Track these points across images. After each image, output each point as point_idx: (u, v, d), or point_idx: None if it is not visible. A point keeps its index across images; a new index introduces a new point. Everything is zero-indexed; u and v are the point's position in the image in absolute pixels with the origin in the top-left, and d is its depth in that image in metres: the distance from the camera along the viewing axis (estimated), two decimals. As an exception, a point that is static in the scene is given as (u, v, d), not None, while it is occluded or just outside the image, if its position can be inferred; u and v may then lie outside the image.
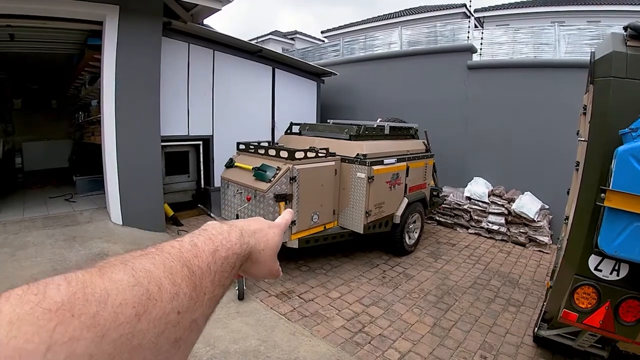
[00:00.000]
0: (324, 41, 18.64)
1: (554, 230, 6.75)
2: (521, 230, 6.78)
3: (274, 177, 4.39)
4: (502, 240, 7.01)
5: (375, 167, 5.04)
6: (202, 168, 7.10)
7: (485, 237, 7.15)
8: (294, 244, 4.72)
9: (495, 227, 6.98)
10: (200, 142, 6.98)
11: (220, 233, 0.54)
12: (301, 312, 4.18)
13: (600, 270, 2.33)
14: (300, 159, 4.59)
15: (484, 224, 7.11)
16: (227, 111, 7.16)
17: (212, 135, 7.02)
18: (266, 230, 0.66)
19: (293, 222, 4.57)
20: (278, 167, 4.46)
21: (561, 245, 3.34)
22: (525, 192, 7.09)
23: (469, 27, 8.50)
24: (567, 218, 3.40)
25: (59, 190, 7.78)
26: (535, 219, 6.56)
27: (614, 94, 2.20)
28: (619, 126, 2.11)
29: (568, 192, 4.55)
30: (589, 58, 2.42)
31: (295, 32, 21.94)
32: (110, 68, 5.40)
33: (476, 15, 16.61)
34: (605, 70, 2.23)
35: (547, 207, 6.92)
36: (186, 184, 7.14)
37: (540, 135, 7.15)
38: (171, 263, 0.43)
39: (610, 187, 2.04)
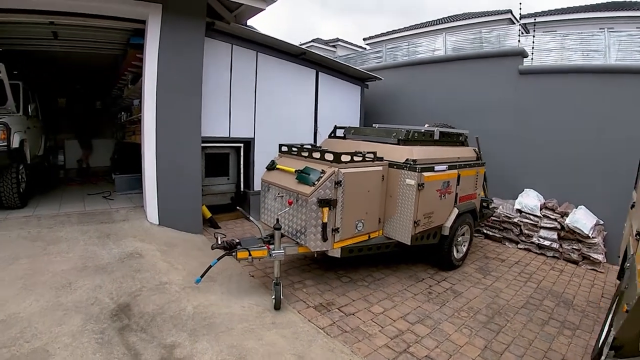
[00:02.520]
0: (365, 48, 18.43)
1: (609, 248, 6.21)
2: (574, 247, 6.27)
3: (317, 180, 4.16)
4: (554, 257, 6.51)
5: (425, 174, 4.74)
6: (242, 171, 6.99)
7: (536, 252, 6.67)
8: (336, 253, 4.47)
9: (546, 243, 6.49)
10: (242, 145, 6.88)
11: None
12: (341, 326, 3.91)
13: None
14: (346, 162, 4.35)
15: (534, 239, 6.63)
16: (269, 114, 7.05)
17: (254, 138, 6.91)
18: None
19: (336, 230, 4.33)
20: (322, 170, 4.24)
21: (631, 264, 3.06)
22: (579, 206, 6.57)
23: (519, 33, 8.08)
24: (639, 234, 3.05)
25: (97, 188, 7.89)
26: (590, 234, 6.05)
27: None
28: None
29: (633, 206, 4.14)
30: None
31: (337, 40, 21.84)
32: (152, 67, 5.37)
33: (522, 21, 16.02)
34: None
35: (601, 222, 6.38)
36: (225, 186, 7.05)
37: (594, 146, 6.63)
38: None
39: None
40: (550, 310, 4.68)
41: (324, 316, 4.07)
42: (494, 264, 6.06)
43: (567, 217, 6.35)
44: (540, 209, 6.69)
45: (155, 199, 5.57)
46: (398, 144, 5.15)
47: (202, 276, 3.93)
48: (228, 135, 6.54)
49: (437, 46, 9.68)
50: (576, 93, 6.89)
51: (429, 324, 4.13)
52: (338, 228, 4.35)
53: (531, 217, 6.70)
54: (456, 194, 5.49)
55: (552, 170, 7.16)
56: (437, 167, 5.02)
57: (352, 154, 4.46)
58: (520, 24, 9.51)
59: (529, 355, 3.73)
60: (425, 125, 6.41)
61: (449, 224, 5.34)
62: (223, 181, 7.00)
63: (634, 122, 6.24)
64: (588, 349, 3.89)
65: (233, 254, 4.02)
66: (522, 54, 7.62)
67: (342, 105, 8.61)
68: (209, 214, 6.44)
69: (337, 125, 6.17)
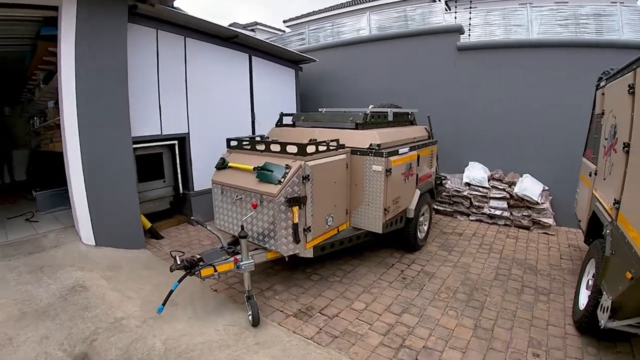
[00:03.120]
0: (284, 32, 17.81)
1: (556, 211, 6.58)
2: (524, 214, 6.54)
3: (283, 177, 3.72)
4: (505, 225, 6.76)
5: (391, 158, 4.51)
6: (179, 171, 6.23)
7: (488, 223, 6.88)
8: (309, 253, 4.10)
9: (497, 212, 6.70)
10: (176, 142, 6.10)
11: None
12: (329, 332, 3.59)
13: None
14: (311, 153, 3.95)
15: (485, 210, 6.82)
16: (202, 105, 6.32)
17: (188, 133, 6.17)
18: None
19: (308, 229, 3.95)
20: (287, 165, 3.80)
21: (612, 232, 3.16)
22: (525, 175, 6.87)
23: (444, 10, 8.15)
24: (617, 202, 3.15)
25: (17, 209, 6.57)
26: (538, 201, 6.34)
27: None
28: None
29: (592, 174, 4.30)
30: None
31: (256, 23, 20.80)
32: (68, 61, 4.44)
33: None
34: None
35: (547, 188, 6.72)
36: (162, 190, 6.25)
37: (536, 117, 6.93)
38: None
39: None
40: (521, 279, 4.78)
41: (307, 324, 3.71)
42: (453, 239, 6.11)
43: (514, 186, 6.58)
44: (488, 181, 6.87)
45: (87, 215, 4.71)
46: (356, 128, 4.87)
47: (164, 304, 3.35)
48: (160, 133, 5.75)
49: (362, 25, 9.49)
50: (513, 67, 7.13)
51: (415, 312, 3.97)
52: (310, 227, 3.97)
53: (480, 189, 6.86)
54: (417, 175, 5.37)
55: (495, 143, 7.40)
56: (400, 150, 4.82)
57: (317, 144, 4.06)
58: (444, 1, 9.64)
59: (517, 326, 3.76)
60: (370, 107, 6.20)
61: (413, 206, 5.22)
62: (159, 185, 6.20)
63: (570, 92, 6.59)
64: (567, 311, 4.02)
65: (196, 273, 3.48)
66: (459, 31, 7.69)
67: (277, 90, 8.09)
68: (148, 224, 5.67)
69: (283, 113, 5.72)
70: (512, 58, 7.10)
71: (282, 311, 3.92)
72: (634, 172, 2.98)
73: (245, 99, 7.24)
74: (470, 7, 8.05)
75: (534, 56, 6.88)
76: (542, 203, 6.34)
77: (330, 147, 4.26)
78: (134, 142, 5.25)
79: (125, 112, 4.93)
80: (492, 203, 6.75)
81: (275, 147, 4.09)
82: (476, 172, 6.97)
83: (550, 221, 6.32)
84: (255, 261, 3.77)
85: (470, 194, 6.93)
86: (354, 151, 4.58)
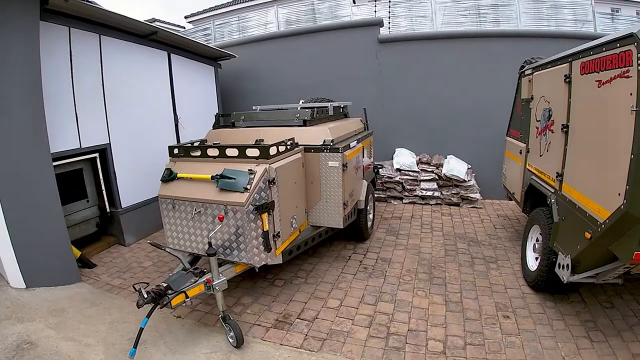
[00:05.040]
0: (184, 27, 16.72)
1: (481, 187, 7.23)
2: (453, 192, 7.11)
3: (249, 183, 3.51)
4: (437, 204, 7.27)
5: (346, 153, 4.54)
6: (103, 187, 5.50)
7: (421, 204, 7.32)
8: (279, 260, 3.96)
9: (429, 193, 7.17)
10: (96, 155, 5.37)
11: None
12: (316, 336, 3.52)
13: None
14: (274, 155, 3.79)
15: (417, 192, 7.24)
16: (122, 111, 5.60)
17: (109, 144, 5.46)
18: None
19: (277, 235, 3.80)
20: (250, 170, 3.58)
21: (558, 200, 3.68)
22: (449, 156, 7.44)
23: (351, 3, 8.38)
24: (559, 175, 3.66)
25: None
26: (465, 179, 6.92)
27: None
28: None
29: (524, 152, 4.83)
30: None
31: (154, 20, 19.14)
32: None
33: None
34: None
35: (470, 167, 7.35)
36: (86, 211, 5.45)
37: (455, 102, 7.55)
38: None
39: None
40: (468, 251, 5.21)
41: (291, 333, 3.58)
42: (395, 223, 6.39)
43: (442, 167, 7.09)
44: (417, 165, 7.30)
45: (11, 254, 3.91)
46: (305, 125, 4.79)
47: (135, 346, 3.01)
48: (79, 146, 5.01)
49: (269, 19, 9.36)
50: (432, 57, 7.63)
51: (388, 298, 4.10)
52: (279, 232, 3.82)
53: (410, 173, 7.27)
54: (363, 167, 5.48)
55: (419, 128, 7.88)
56: (352, 144, 4.87)
57: (277, 145, 3.89)
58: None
59: (481, 294, 4.12)
60: (300, 102, 6.18)
61: (363, 197, 5.33)
62: (82, 205, 5.40)
63: (483, 79, 7.30)
64: (517, 274, 4.51)
65: (166, 303, 3.13)
66: (380, 24, 7.95)
67: (198, 90, 7.57)
68: (78, 252, 4.92)
69: (220, 113, 5.42)
70: (431, 49, 7.60)
71: (259, 325, 3.73)
72: (573, 148, 3.44)
73: (167, 101, 6.65)
74: (390, 1, 8.27)
75: (451, 46, 7.46)
76: (468, 181, 6.95)
77: (287, 147, 4.13)
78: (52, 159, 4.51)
79: (41, 125, 4.19)
80: (423, 185, 7.21)
81: (232, 152, 3.83)
82: (405, 158, 7.36)
83: (478, 196, 6.97)
84: (227, 278, 3.53)
85: (402, 179, 7.30)
86: (308, 149, 4.50)
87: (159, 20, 17.70)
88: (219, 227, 3.54)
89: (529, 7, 7.66)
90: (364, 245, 5.54)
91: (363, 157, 5.47)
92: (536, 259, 4.22)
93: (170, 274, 3.74)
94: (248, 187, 3.48)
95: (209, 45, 7.65)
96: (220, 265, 3.60)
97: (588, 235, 2.98)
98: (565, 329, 3.47)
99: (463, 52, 7.37)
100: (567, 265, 3.30)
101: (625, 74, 2.56)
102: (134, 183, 5.92)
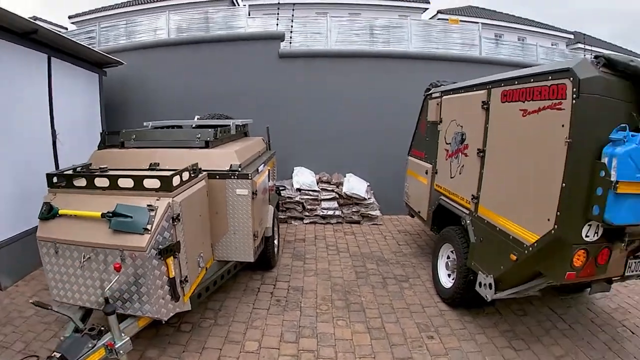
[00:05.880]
0: (67, 29, 14.43)
1: (380, 203, 7.44)
2: (353, 210, 7.20)
3: (149, 223, 2.93)
4: (338, 222, 7.27)
5: (255, 179, 4.16)
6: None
7: (322, 223, 7.26)
8: (188, 307, 3.39)
9: (330, 212, 7.14)
10: None
11: None
12: (240, 390, 3.09)
13: (588, 236, 2.75)
14: (177, 186, 3.24)
15: (318, 212, 7.16)
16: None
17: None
18: None
19: (185, 280, 3.26)
20: (150, 205, 3.00)
21: (474, 222, 3.89)
22: (348, 175, 7.53)
23: (247, 14, 8.10)
24: (475, 197, 3.88)
25: None
26: (365, 197, 7.05)
27: (595, 106, 2.63)
28: (600, 132, 2.61)
29: (431, 172, 5.05)
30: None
31: (36, 18, 16.03)
32: None
33: (243, 3, 16.42)
34: (591, 88, 2.61)
35: (369, 184, 7.52)
36: None
37: (354, 121, 7.75)
38: None
39: (617, 179, 2.48)
40: (378, 272, 5.25)
41: (210, 392, 3.08)
42: (300, 246, 6.18)
43: (342, 186, 7.13)
44: (317, 184, 7.21)
45: None
46: (207, 147, 4.29)
47: None
48: None
49: (160, 25, 8.54)
50: (332, 74, 7.72)
51: (308, 333, 3.84)
52: (186, 276, 3.28)
53: (311, 192, 7.16)
54: (268, 191, 5.15)
55: (319, 147, 7.87)
56: (260, 168, 4.51)
57: (180, 172, 3.35)
58: (246, 6, 9.56)
59: (400, 316, 4.13)
60: (196, 118, 5.64)
61: (270, 223, 4.98)
62: None
63: (383, 99, 7.63)
64: (430, 292, 4.66)
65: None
66: (281, 38, 7.73)
67: (80, 99, 6.32)
68: None
69: (107, 130, 4.58)
70: (332, 65, 7.69)
71: (169, 388, 3.14)
72: (492, 173, 3.63)
73: (43, 113, 5.42)
74: (293, 16, 8.12)
75: (352, 64, 7.65)
76: (368, 198, 7.11)
77: (191, 174, 3.60)
78: None
79: None
80: (324, 204, 7.16)
81: (126, 182, 3.17)
82: (305, 177, 7.24)
83: (378, 213, 7.16)
84: (130, 335, 2.90)
85: (302, 199, 7.15)
86: (212, 175, 4.00)
87: (40, 19, 15.11)
88: (117, 277, 2.88)
89: (419, 30, 8.25)
90: (272, 273, 5.18)
91: (269, 180, 5.15)
92: (449, 275, 4.38)
93: (62, 338, 2.92)
94: (149, 227, 2.90)
95: (94, 49, 6.53)
96: (120, 320, 2.95)
97: (514, 257, 3.15)
98: (488, 341, 3.63)
99: (363, 71, 7.66)
100: (490, 284, 3.44)
101: (557, 106, 2.74)
102: (8, 211, 4.69)
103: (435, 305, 4.32)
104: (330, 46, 7.88)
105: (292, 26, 8.07)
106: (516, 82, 3.32)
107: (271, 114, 7.58)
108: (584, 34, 25.40)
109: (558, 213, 2.71)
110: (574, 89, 2.62)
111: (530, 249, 2.97)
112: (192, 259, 3.42)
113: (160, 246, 2.92)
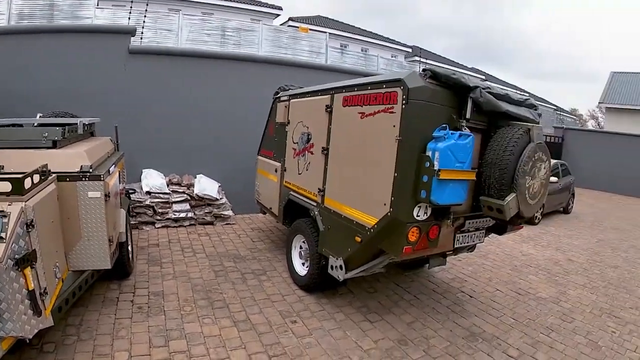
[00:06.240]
0: None
1: (232, 203, 7.59)
2: (206, 211, 7.21)
3: (2, 231, 2.63)
4: (191, 225, 7.18)
5: (108, 180, 3.94)
6: None
7: (175, 226, 7.06)
8: (50, 322, 3.06)
9: (182, 215, 7.01)
10: None
11: None
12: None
13: (419, 216, 3.46)
14: (30, 189, 2.93)
15: (170, 215, 6.94)
16: None
17: None
18: None
19: (45, 292, 2.97)
20: (1, 210, 2.68)
21: (322, 212, 4.40)
22: (198, 175, 7.47)
23: (96, 5, 7.32)
24: (321, 190, 4.41)
25: None
26: (217, 197, 7.14)
27: (421, 110, 3.29)
28: (425, 131, 3.29)
29: (280, 170, 5.48)
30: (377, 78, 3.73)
31: None
32: None
33: None
34: (418, 96, 3.27)
35: (220, 184, 7.60)
36: None
37: (205, 121, 7.71)
38: None
39: (439, 167, 3.18)
40: (236, 268, 5.49)
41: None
42: (155, 251, 5.96)
43: (193, 187, 7.06)
44: (167, 186, 6.98)
45: None
46: (55, 147, 3.88)
47: None
48: None
49: (1, 10, 7.01)
50: (185, 74, 7.51)
51: (177, 335, 3.84)
52: (46, 288, 2.99)
53: (161, 195, 6.89)
54: (119, 193, 4.86)
55: (168, 148, 7.58)
56: (111, 169, 4.26)
57: (31, 174, 3.01)
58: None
59: (262, 307, 4.45)
60: (38, 116, 4.97)
61: (123, 228, 4.71)
62: None
63: (233, 99, 7.80)
64: (288, 281, 5.11)
65: None
66: (132, 33, 7.10)
67: None
68: None
69: None
70: (184, 65, 7.47)
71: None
72: (335, 167, 4.23)
73: None
74: (147, 10, 7.46)
75: (203, 64, 7.57)
76: (220, 199, 7.20)
77: (43, 177, 3.26)
78: None
79: None
80: (176, 207, 6.98)
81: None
82: (154, 180, 6.93)
83: (230, 213, 7.32)
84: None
85: (153, 202, 6.83)
86: (62, 177, 3.65)
87: None
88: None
89: (270, 35, 8.64)
90: (129, 281, 4.91)
91: (119, 182, 4.86)
92: (303, 264, 4.89)
93: None
94: (2, 235, 2.59)
95: None
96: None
97: (358, 239, 3.75)
98: (346, 318, 4.24)
99: (214, 72, 7.69)
100: (340, 265, 4.03)
101: (390, 110, 3.40)
102: None
103: (294, 293, 4.79)
104: (181, 44, 7.72)
105: (144, 21, 7.59)
106: (356, 89, 3.93)
107: (119, 113, 6.92)
108: (421, 48, 29.60)
109: (392, 198, 3.37)
110: (404, 96, 3.28)
111: (372, 230, 3.60)
112: (48, 269, 3.12)
113: (16, 256, 2.62)
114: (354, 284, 5.01)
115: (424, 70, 3.51)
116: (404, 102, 3.30)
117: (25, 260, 2.69)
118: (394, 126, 3.36)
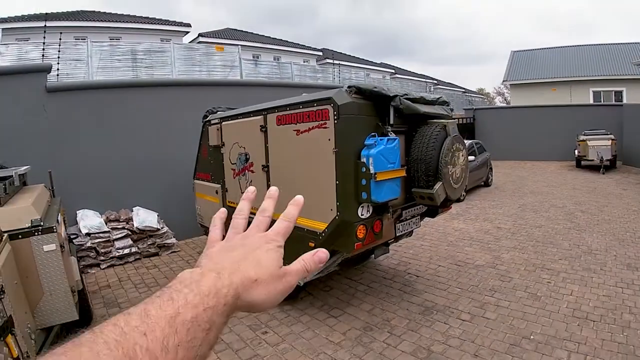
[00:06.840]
0: None
1: (173, 230, 7.54)
2: (149, 243, 7.12)
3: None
4: (137, 259, 7.00)
5: (59, 231, 3.91)
6: None
7: (121, 264, 6.84)
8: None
9: (126, 251, 6.84)
10: None
11: (187, 286, 0.45)
12: None
13: (363, 215, 3.94)
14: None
15: (114, 253, 6.75)
16: None
17: None
18: (255, 254, 0.56)
19: (27, 356, 2.97)
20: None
21: None
22: (135, 208, 7.32)
23: None
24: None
25: None
26: (158, 227, 7.08)
27: (351, 123, 3.76)
28: (357, 140, 3.75)
29: (220, 191, 5.67)
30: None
31: None
32: None
33: None
34: (347, 111, 3.72)
35: (159, 214, 7.50)
36: None
37: (137, 152, 7.58)
38: None
39: (374, 171, 3.66)
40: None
41: None
42: (108, 293, 5.77)
43: (132, 221, 6.92)
44: (106, 224, 6.78)
45: None
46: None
47: None
48: None
49: None
50: (104, 106, 7.26)
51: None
52: (27, 351, 2.98)
53: (101, 234, 6.67)
54: (67, 241, 4.76)
55: (101, 186, 7.32)
56: (58, 218, 4.18)
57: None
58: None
59: (231, 325, 4.54)
60: None
61: (78, 276, 4.56)
62: None
63: (164, 127, 7.71)
64: None
65: None
66: (48, 70, 6.66)
67: None
68: None
69: None
70: (103, 98, 7.27)
71: None
72: (277, 183, 4.55)
73: None
74: (61, 39, 6.98)
75: (125, 95, 7.41)
76: (162, 228, 7.15)
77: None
78: None
79: None
80: (118, 244, 6.79)
81: None
82: (91, 220, 6.67)
83: (173, 240, 7.29)
84: None
85: (94, 243, 6.59)
86: (14, 235, 3.56)
87: None
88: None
89: (182, 54, 8.59)
90: (94, 327, 4.78)
91: (65, 229, 4.75)
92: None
93: None
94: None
95: None
96: None
97: (312, 244, 4.09)
98: (311, 319, 4.57)
99: (135, 101, 7.58)
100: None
101: (323, 126, 3.81)
102: None
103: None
104: (92, 73, 7.45)
105: (59, 51, 7.21)
106: (288, 109, 4.26)
107: (45, 157, 6.63)
108: (333, 51, 30.18)
109: (338, 203, 3.80)
110: (335, 112, 3.71)
111: (323, 234, 3.98)
112: (24, 332, 3.10)
113: (-5, 324, 2.63)
114: (311, 286, 5.34)
115: (349, 87, 3.97)
116: (335, 117, 3.74)
117: (5, 329, 2.69)
118: (329, 140, 3.79)
